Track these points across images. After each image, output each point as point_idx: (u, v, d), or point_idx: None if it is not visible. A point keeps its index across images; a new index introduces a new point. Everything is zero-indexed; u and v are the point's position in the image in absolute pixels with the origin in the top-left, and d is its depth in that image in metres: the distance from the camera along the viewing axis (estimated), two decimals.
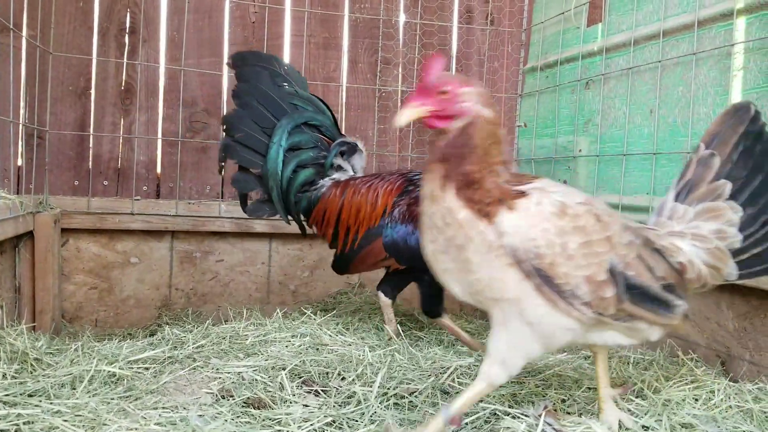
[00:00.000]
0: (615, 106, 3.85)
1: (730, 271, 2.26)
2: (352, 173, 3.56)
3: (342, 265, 3.44)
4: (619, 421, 2.24)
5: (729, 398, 2.51)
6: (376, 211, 3.27)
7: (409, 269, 3.32)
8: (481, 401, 2.42)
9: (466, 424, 2.24)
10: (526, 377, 2.74)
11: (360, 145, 3.61)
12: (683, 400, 2.49)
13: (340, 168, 3.55)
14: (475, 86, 2.01)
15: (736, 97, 3.06)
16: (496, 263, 1.91)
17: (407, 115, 1.97)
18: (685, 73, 3.34)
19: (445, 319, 3.40)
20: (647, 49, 3.61)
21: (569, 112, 4.25)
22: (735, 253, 2.26)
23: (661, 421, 2.31)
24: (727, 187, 2.26)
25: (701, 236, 2.23)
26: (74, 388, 2.57)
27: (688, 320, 2.17)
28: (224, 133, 3.47)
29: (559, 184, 2.11)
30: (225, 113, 3.72)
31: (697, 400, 2.52)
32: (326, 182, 3.48)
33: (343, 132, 3.66)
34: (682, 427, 2.29)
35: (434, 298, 3.35)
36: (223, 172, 4.09)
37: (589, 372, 2.86)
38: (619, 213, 2.20)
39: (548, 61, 4.49)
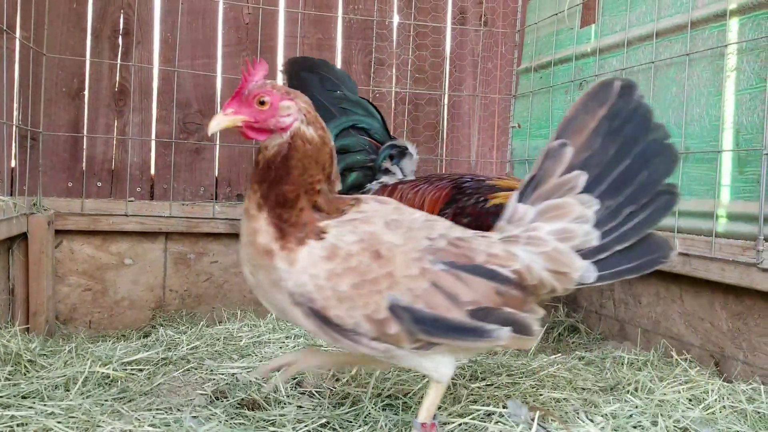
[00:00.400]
0: None
1: (584, 273, 2.01)
2: (401, 176, 3.51)
3: None
4: None
5: (723, 398, 2.52)
6: None
7: None
8: (475, 402, 2.43)
9: (460, 425, 2.24)
10: (520, 378, 2.74)
11: (410, 148, 3.55)
12: (677, 401, 2.50)
13: (388, 171, 3.51)
14: (297, 100, 1.89)
15: (729, 97, 3.07)
16: (281, 297, 1.88)
17: (218, 122, 1.85)
18: (678, 73, 3.35)
19: None
20: (640, 50, 3.62)
21: (563, 113, 4.25)
22: (593, 251, 2.01)
23: (656, 422, 2.31)
24: (581, 178, 2.01)
25: (536, 239, 2.00)
26: (68, 390, 2.57)
27: (525, 337, 1.95)
28: None
29: (383, 206, 2.01)
30: None
31: (691, 400, 2.53)
32: (374, 186, 3.46)
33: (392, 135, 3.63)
34: (677, 427, 2.29)
35: None
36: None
37: (583, 373, 2.87)
38: (443, 223, 2.05)
39: (542, 62, 4.50)
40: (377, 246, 1.86)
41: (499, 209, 2.57)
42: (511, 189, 2.95)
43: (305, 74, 3.45)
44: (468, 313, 1.87)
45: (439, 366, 1.98)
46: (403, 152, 3.55)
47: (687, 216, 3.23)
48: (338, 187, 1.99)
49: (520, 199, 2.07)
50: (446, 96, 4.72)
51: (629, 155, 2.02)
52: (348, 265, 1.83)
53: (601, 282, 2.04)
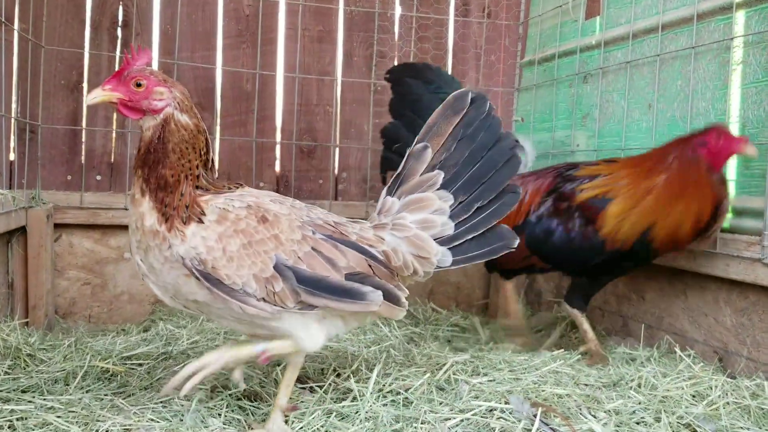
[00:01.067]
0: (613, 100, 3.82)
1: (442, 258, 2.33)
2: None
3: (489, 263, 3.37)
4: None
5: (726, 395, 2.50)
6: (522, 209, 3.21)
7: (588, 273, 3.18)
8: (477, 397, 2.41)
9: (461, 420, 2.22)
10: (522, 373, 2.72)
11: (524, 143, 3.59)
12: (681, 397, 2.48)
13: None
14: (173, 89, 2.05)
15: (735, 91, 3.04)
16: (174, 273, 2.04)
17: (94, 95, 2.01)
18: (683, 67, 3.32)
19: (580, 315, 3.23)
20: (646, 43, 3.59)
21: (567, 107, 4.23)
22: (449, 239, 2.33)
23: (659, 418, 2.29)
24: (440, 177, 2.34)
25: (402, 225, 2.32)
26: (67, 384, 2.55)
27: (396, 307, 2.22)
28: (383, 146, 3.58)
29: (268, 192, 2.24)
30: (383, 126, 3.62)
31: (694, 396, 2.51)
32: None
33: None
34: (680, 423, 2.27)
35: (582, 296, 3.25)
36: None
37: (586, 369, 2.85)
38: (321, 210, 2.32)
39: (546, 55, 4.47)
40: (263, 212, 2.09)
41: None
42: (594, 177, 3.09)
43: (407, 80, 3.49)
44: (345, 276, 2.12)
45: (310, 336, 2.16)
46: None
47: None
48: (215, 175, 2.17)
49: (389, 194, 2.40)
50: None
51: (480, 159, 2.36)
52: (237, 228, 2.02)
53: (455, 266, 2.35)
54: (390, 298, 2.20)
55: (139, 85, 2.01)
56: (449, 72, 4.65)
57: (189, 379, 2.10)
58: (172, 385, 2.12)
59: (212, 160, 2.14)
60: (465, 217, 2.34)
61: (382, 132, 3.62)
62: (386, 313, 2.22)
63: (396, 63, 4.59)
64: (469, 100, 2.37)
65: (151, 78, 2.03)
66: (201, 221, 2.02)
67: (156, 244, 2.02)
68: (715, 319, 3.11)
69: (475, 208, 2.35)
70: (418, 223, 2.32)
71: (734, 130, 3.03)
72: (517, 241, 2.39)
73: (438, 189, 2.34)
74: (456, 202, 2.35)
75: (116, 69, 2.07)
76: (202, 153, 2.08)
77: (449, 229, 2.33)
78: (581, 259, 3.09)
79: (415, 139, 2.39)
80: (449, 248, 2.34)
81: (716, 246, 3.00)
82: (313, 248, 2.10)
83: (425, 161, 2.36)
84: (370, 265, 2.20)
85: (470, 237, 2.36)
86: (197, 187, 2.07)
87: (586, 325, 3.20)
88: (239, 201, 2.10)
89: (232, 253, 2.00)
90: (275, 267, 2.03)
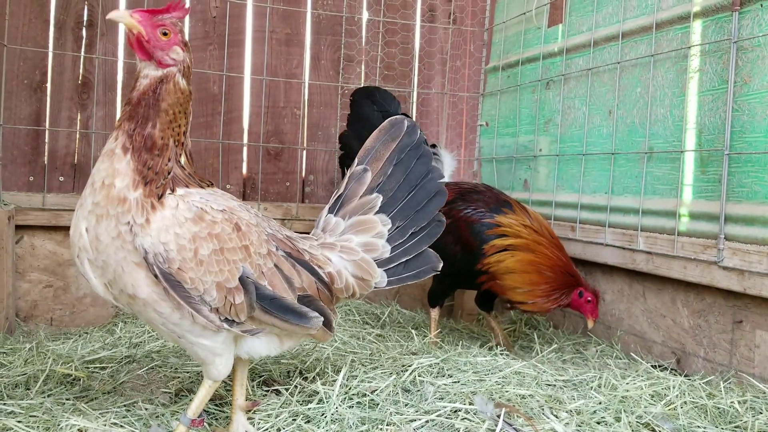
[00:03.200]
0: (575, 106, 3.90)
1: (380, 280, 2.39)
2: None
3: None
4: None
5: (684, 394, 2.57)
6: None
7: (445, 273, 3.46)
8: (442, 399, 2.44)
9: (427, 422, 2.25)
10: (486, 375, 2.76)
11: (440, 155, 3.87)
12: (640, 397, 2.54)
13: None
14: (186, 54, 1.99)
15: (692, 98, 3.12)
16: (121, 254, 1.86)
17: (121, 15, 1.92)
18: (643, 74, 3.40)
19: (434, 312, 3.62)
20: (606, 51, 3.66)
21: (530, 112, 4.30)
22: (386, 261, 2.40)
23: (619, 417, 2.35)
24: (378, 200, 2.39)
25: (349, 248, 2.35)
26: (28, 389, 2.52)
27: (328, 332, 2.25)
28: (340, 149, 3.98)
29: (222, 194, 2.12)
30: (341, 132, 4.03)
31: (653, 396, 2.57)
32: None
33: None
34: (639, 423, 2.33)
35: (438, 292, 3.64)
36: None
37: (548, 369, 2.90)
38: (274, 222, 2.27)
39: (510, 61, 4.53)
40: (237, 220, 2.03)
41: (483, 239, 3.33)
42: (504, 233, 3.36)
43: (361, 99, 3.88)
44: (297, 298, 2.12)
45: (223, 364, 2.10)
46: None
47: (650, 215, 3.29)
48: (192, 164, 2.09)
49: (331, 212, 2.42)
50: (415, 93, 4.73)
51: (415, 186, 2.44)
52: (212, 231, 1.95)
53: (389, 286, 2.42)
54: (326, 323, 2.21)
55: (165, 34, 1.94)
56: (415, 76, 4.69)
57: None
58: None
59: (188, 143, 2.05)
60: (400, 241, 2.41)
61: (339, 137, 4.02)
62: (320, 336, 2.26)
63: (363, 66, 4.62)
64: (405, 128, 2.43)
65: (177, 36, 1.96)
66: (185, 202, 1.93)
67: (117, 212, 1.85)
68: (673, 320, 3.19)
69: (410, 233, 2.42)
70: (362, 246, 2.37)
71: (691, 136, 3.12)
72: (441, 264, 2.49)
73: (377, 212, 2.39)
74: (394, 226, 2.41)
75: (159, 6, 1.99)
76: (188, 121, 2.00)
77: (387, 252, 2.39)
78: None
79: (356, 160, 2.44)
80: (385, 270, 2.40)
81: (674, 249, 3.08)
82: (275, 264, 2.10)
83: (365, 183, 2.40)
84: (317, 288, 2.21)
85: (404, 260, 2.43)
86: (182, 167, 1.99)
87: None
88: (216, 203, 2.01)
89: (203, 256, 1.91)
90: (240, 279, 1.98)
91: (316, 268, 2.22)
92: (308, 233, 2.41)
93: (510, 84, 4.52)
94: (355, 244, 2.36)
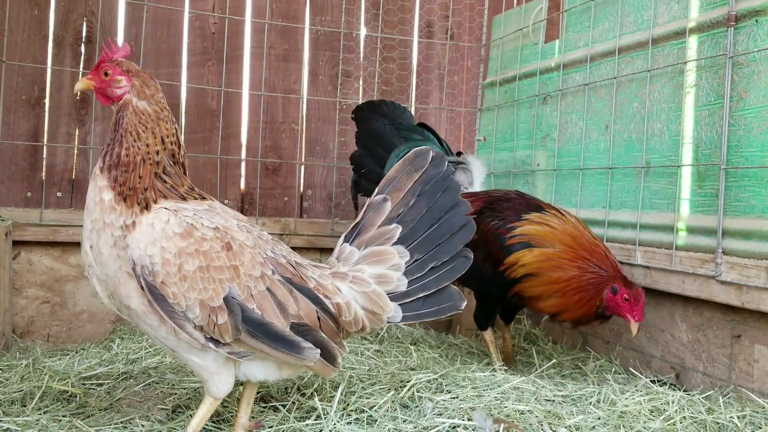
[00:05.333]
0: (572, 121, 3.91)
1: (393, 314, 2.30)
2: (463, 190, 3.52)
3: None
4: None
5: (683, 409, 2.55)
6: None
7: (483, 293, 3.41)
8: (441, 414, 2.43)
9: None
10: (485, 390, 2.75)
11: (468, 163, 3.81)
12: (639, 412, 2.53)
13: None
14: (135, 78, 2.14)
15: (688, 113, 3.14)
16: (118, 263, 2.00)
17: (79, 84, 2.16)
18: (639, 89, 3.42)
19: (487, 334, 3.44)
20: (603, 66, 3.68)
21: (527, 127, 4.31)
22: (401, 295, 2.31)
23: None
24: (397, 231, 2.31)
25: (361, 279, 2.28)
26: (24, 405, 2.51)
27: (330, 366, 2.16)
28: (353, 171, 3.94)
29: (225, 208, 2.20)
30: (351, 154, 4.00)
31: (652, 411, 2.56)
32: None
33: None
34: None
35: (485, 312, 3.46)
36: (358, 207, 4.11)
37: (547, 385, 2.89)
38: (285, 247, 2.27)
39: (507, 76, 4.55)
40: (230, 239, 2.05)
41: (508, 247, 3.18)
42: (530, 240, 3.19)
43: (368, 114, 3.88)
44: (291, 325, 2.07)
45: (222, 382, 2.12)
46: (455, 167, 3.71)
47: (648, 229, 3.29)
48: (186, 171, 2.18)
49: (347, 240, 2.36)
50: (413, 108, 4.74)
51: (438, 219, 2.34)
52: (200, 248, 1.99)
53: (404, 322, 2.33)
54: (327, 356, 2.14)
55: (106, 74, 2.12)
56: (413, 92, 4.72)
57: None
58: None
59: (182, 155, 2.16)
60: (419, 275, 2.32)
61: (350, 159, 3.95)
62: (319, 370, 2.17)
63: (361, 82, 4.64)
64: (430, 158, 2.36)
65: (115, 68, 2.12)
66: (175, 215, 2.01)
67: (111, 220, 2.00)
68: (672, 335, 3.19)
69: (429, 267, 2.32)
70: (375, 278, 2.28)
71: (688, 150, 3.13)
72: (465, 303, 2.38)
73: (395, 243, 2.31)
74: (412, 259, 2.31)
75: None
76: (165, 140, 2.10)
77: (403, 285, 2.30)
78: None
79: (375, 190, 2.37)
80: (400, 304, 2.31)
81: (672, 263, 3.08)
82: (268, 288, 2.06)
83: (384, 213, 2.33)
84: (318, 318, 2.14)
85: (421, 295, 2.33)
86: (164, 181, 2.08)
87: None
88: (208, 220, 2.06)
89: (187, 272, 1.96)
90: (225, 299, 1.99)
91: (321, 297, 2.16)
92: (307, 248, 2.41)
93: (507, 99, 4.54)
94: (367, 275, 2.28)
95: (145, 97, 2.11)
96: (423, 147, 2.41)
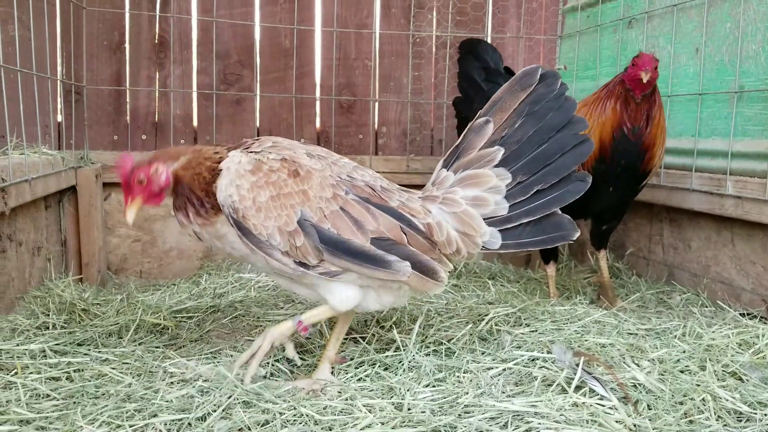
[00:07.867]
0: (659, 45, 3.71)
1: (489, 239, 2.22)
2: None
3: None
4: (325, 383, 2.20)
5: None
6: None
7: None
8: (519, 347, 2.42)
9: (504, 370, 2.24)
10: (565, 324, 2.72)
11: None
12: (727, 346, 2.45)
13: None
14: (159, 163, 2.16)
15: None
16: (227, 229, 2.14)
17: (130, 213, 2.18)
18: (733, 8, 3.19)
19: (549, 268, 3.42)
20: None
21: (611, 53, 4.12)
22: (501, 221, 2.22)
23: (704, 366, 2.28)
24: (499, 153, 2.23)
25: (452, 200, 2.23)
26: (121, 338, 2.65)
27: (429, 279, 2.14)
28: (455, 117, 4.03)
29: (292, 142, 2.27)
30: (453, 99, 4.07)
31: (741, 345, 2.48)
32: None
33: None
34: (725, 372, 2.25)
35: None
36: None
37: (630, 318, 2.83)
38: (370, 172, 2.29)
39: (589, 0, 4.34)
40: (297, 167, 2.12)
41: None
42: None
43: (466, 55, 3.89)
44: (371, 240, 2.08)
45: (338, 295, 2.16)
46: None
47: (740, 157, 3.12)
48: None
49: (444, 166, 2.31)
50: (489, 38, 4.59)
51: (547, 139, 2.23)
52: (269, 179, 2.08)
53: (504, 250, 2.24)
54: (423, 269, 2.12)
55: (140, 181, 2.15)
56: (489, 21, 4.57)
57: (248, 363, 2.19)
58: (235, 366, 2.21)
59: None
60: (522, 199, 2.21)
61: (453, 103, 4.04)
62: (419, 286, 2.15)
63: (435, 13, 4.52)
64: (539, 77, 2.24)
65: (144, 168, 2.16)
66: (246, 155, 2.14)
67: (203, 225, 2.16)
68: (764, 267, 3.05)
69: (535, 190, 2.22)
70: (469, 200, 2.22)
71: None
72: (577, 233, 2.26)
73: (496, 166, 2.22)
74: (514, 181, 2.22)
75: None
76: (201, 179, 2.17)
77: (503, 209, 2.21)
78: None
79: (477, 113, 2.28)
80: (500, 230, 2.22)
81: (765, 193, 2.92)
82: (341, 208, 2.09)
83: (485, 136, 2.25)
84: (404, 233, 2.12)
85: (525, 221, 2.23)
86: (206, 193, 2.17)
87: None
88: (275, 153, 2.15)
89: (261, 203, 2.05)
90: (298, 222, 2.05)
91: (406, 214, 2.14)
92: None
93: (590, 24, 4.33)
94: (459, 196, 2.23)
95: (175, 157, 2.18)
96: (532, 66, 2.28)
